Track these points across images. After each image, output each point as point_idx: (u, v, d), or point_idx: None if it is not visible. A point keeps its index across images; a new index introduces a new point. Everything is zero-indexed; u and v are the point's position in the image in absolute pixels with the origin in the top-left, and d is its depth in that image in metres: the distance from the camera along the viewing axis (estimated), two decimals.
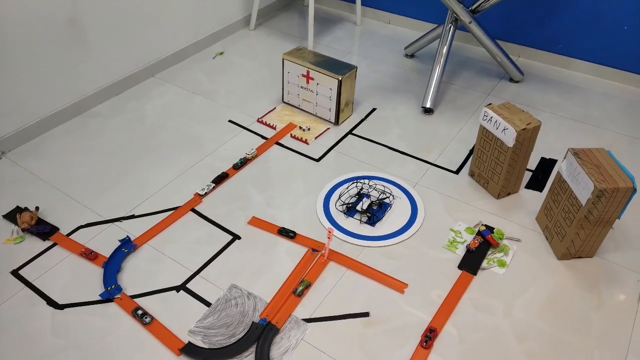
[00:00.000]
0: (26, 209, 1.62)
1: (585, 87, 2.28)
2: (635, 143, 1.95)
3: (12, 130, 1.85)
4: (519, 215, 1.64)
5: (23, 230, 1.56)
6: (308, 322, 1.33)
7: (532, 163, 1.85)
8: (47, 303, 1.38)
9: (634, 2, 2.10)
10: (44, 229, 1.56)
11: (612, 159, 1.39)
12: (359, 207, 1.64)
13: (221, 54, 2.49)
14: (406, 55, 2.50)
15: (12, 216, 1.61)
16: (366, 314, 1.35)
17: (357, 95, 2.19)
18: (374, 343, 1.28)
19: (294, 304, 1.37)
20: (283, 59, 2.02)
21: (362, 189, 1.70)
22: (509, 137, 1.54)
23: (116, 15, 2.03)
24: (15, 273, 1.45)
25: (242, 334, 1.30)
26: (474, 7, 2.11)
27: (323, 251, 1.50)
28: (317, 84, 1.97)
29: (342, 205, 1.65)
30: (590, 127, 2.04)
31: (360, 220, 1.60)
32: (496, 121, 1.57)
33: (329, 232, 1.45)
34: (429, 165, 1.84)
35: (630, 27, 2.16)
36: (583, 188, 1.36)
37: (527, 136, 1.53)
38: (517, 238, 1.56)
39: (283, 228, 1.58)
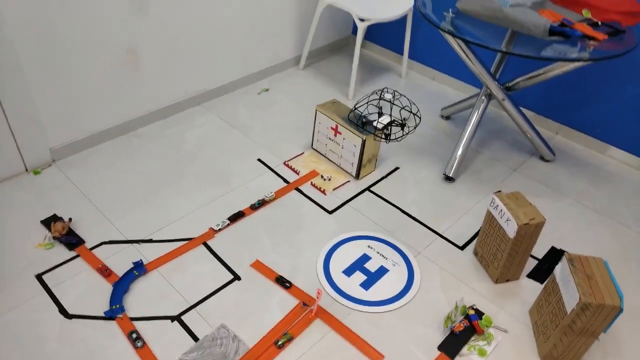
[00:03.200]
0: (61, 218, 1.81)
1: (618, 177, 2.24)
2: None
3: (64, 142, 2.06)
4: (513, 305, 1.65)
5: (54, 238, 1.74)
6: None
7: (542, 250, 1.85)
8: (59, 311, 1.54)
9: None
10: (71, 240, 1.74)
11: (606, 272, 1.39)
12: (376, 123, 1.47)
13: (266, 90, 2.64)
14: (442, 117, 2.55)
15: (48, 223, 1.80)
16: None
17: (383, 151, 2.26)
18: None
19: (272, 355, 1.45)
20: (316, 111, 2.13)
21: (380, 100, 1.46)
22: (510, 229, 1.56)
23: (171, 47, 2.22)
24: (39, 277, 1.63)
25: None
26: (510, 84, 2.14)
27: (312, 307, 1.57)
28: (344, 138, 2.06)
29: (358, 118, 1.47)
30: (613, 222, 2.00)
31: (375, 137, 1.42)
32: (501, 210, 1.60)
33: (318, 292, 1.52)
34: (437, 236, 1.88)
35: None
36: (570, 296, 1.37)
37: (530, 231, 1.55)
38: (505, 329, 1.57)
39: (281, 277, 1.68)
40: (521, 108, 2.55)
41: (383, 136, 1.35)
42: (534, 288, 1.71)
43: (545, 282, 1.55)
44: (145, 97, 2.24)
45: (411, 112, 1.43)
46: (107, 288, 1.61)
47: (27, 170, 2.01)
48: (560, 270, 1.45)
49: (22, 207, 1.86)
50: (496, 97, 2.11)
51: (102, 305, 1.56)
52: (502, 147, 2.37)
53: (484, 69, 2.03)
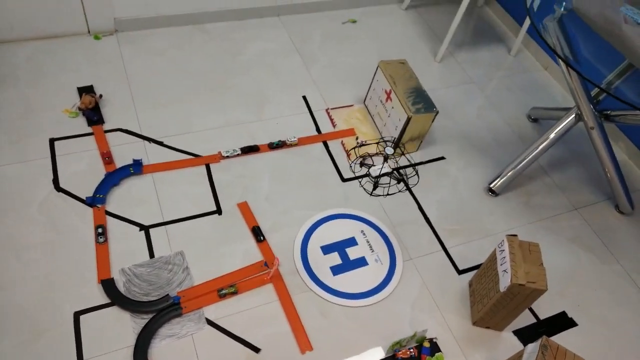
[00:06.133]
0: (93, 92, 1.86)
1: None
2: None
3: (131, 16, 2.06)
4: (477, 355, 1.47)
5: (79, 109, 1.81)
6: (208, 323, 1.41)
7: (550, 310, 1.60)
8: (53, 180, 1.63)
9: None
10: (93, 117, 1.79)
11: None
12: (372, 171, 1.41)
13: (353, 22, 2.41)
14: (529, 117, 2.18)
15: (82, 92, 1.86)
16: (257, 350, 1.39)
17: (438, 134, 2.01)
18: None
19: (210, 301, 1.45)
20: (378, 66, 1.91)
21: (386, 151, 1.39)
22: (504, 282, 1.34)
23: None
24: (51, 142, 1.72)
25: (154, 298, 1.43)
26: (611, 113, 1.74)
27: (270, 271, 1.52)
28: (392, 107, 1.85)
29: (356, 159, 1.42)
30: None
31: (360, 183, 1.38)
32: (504, 257, 1.37)
33: (276, 260, 1.46)
34: (440, 249, 1.69)
35: None
36: None
37: (523, 293, 1.32)
38: None
39: (258, 227, 1.62)
40: (621, 135, 2.10)
41: (371, 186, 1.20)
42: (511, 347, 1.51)
43: (518, 352, 1.35)
44: None
45: (415, 172, 1.21)
46: (102, 174, 1.67)
47: (89, 32, 2.06)
48: (530, 351, 1.24)
49: (69, 67, 1.93)
50: (585, 123, 1.73)
51: (90, 189, 1.63)
52: (576, 176, 2.00)
53: (582, 86, 1.66)
